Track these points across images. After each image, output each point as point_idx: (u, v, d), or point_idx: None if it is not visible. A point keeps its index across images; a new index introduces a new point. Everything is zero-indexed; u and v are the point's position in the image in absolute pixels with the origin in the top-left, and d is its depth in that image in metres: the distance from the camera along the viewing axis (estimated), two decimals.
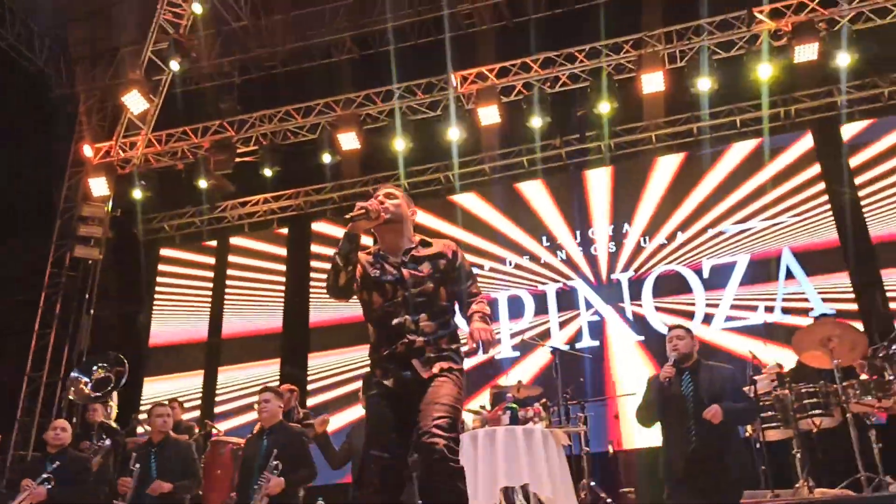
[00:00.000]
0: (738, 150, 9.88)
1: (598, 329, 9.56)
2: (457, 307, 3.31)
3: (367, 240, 3.40)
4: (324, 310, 10.70)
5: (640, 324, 9.43)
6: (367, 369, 3.29)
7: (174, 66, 9.62)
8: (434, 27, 10.37)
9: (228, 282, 11.34)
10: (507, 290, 10.07)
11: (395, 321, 3.14)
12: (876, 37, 8.97)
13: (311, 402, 9.89)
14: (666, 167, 10.10)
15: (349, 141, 10.05)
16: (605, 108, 9.41)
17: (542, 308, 9.84)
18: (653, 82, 9.21)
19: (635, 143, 10.36)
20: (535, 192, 10.51)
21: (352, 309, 10.26)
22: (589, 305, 9.69)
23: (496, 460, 4.75)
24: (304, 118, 10.49)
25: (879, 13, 8.88)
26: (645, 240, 9.80)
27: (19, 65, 10.85)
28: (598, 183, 10.31)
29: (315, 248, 11.13)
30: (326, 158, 10.33)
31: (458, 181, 10.81)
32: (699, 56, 9.12)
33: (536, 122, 9.63)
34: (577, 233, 10.10)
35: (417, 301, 3.17)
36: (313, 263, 11.03)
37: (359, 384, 9.85)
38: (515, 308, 9.94)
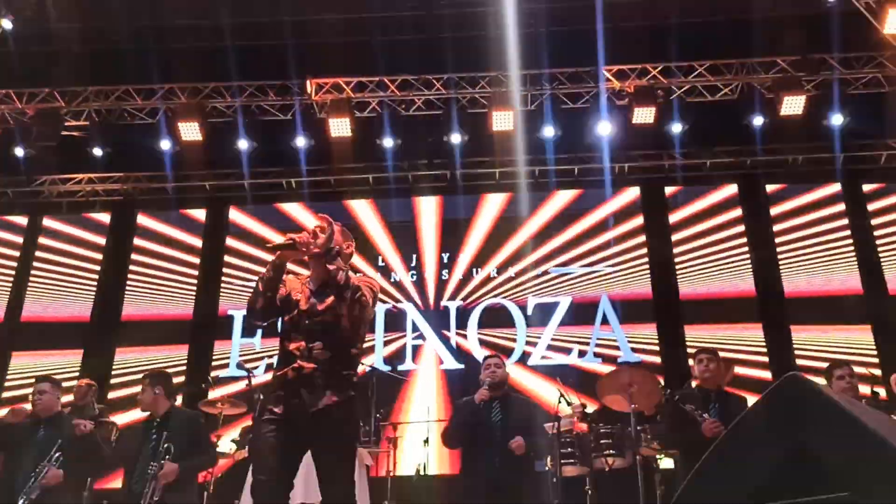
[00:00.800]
0: (563, 197, 10.36)
1: (419, 353, 9.63)
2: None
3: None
4: (138, 304, 10.13)
5: (460, 352, 9.60)
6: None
7: (6, 24, 8.86)
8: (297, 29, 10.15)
9: (36, 262, 10.46)
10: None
11: (291, 346, 3.34)
12: (704, 110, 9.77)
13: (112, 395, 9.29)
14: (495, 203, 10.41)
15: (190, 131, 9.62)
16: (456, 138, 9.62)
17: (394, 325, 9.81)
18: (503, 121, 9.49)
19: (478, 177, 10.56)
20: (366, 212, 10.50)
21: (168, 306, 9.97)
22: (416, 329, 9.76)
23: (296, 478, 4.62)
24: (145, 100, 9.94)
25: (710, 90, 9.67)
26: (475, 270, 10.03)
27: None
28: (429, 210, 10.45)
29: (138, 241, 10.52)
30: (165, 145, 9.85)
31: (305, 189, 10.57)
32: (545, 104, 9.54)
33: (388, 142, 9.69)
34: (413, 257, 10.17)
35: (316, 329, 3.34)
36: (134, 256, 10.43)
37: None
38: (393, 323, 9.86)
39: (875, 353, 9.09)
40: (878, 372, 7.94)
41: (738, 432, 1.97)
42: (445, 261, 10.12)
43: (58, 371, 9.13)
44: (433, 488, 7.56)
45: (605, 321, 9.70)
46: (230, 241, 10.43)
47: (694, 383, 7.17)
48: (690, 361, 8.88)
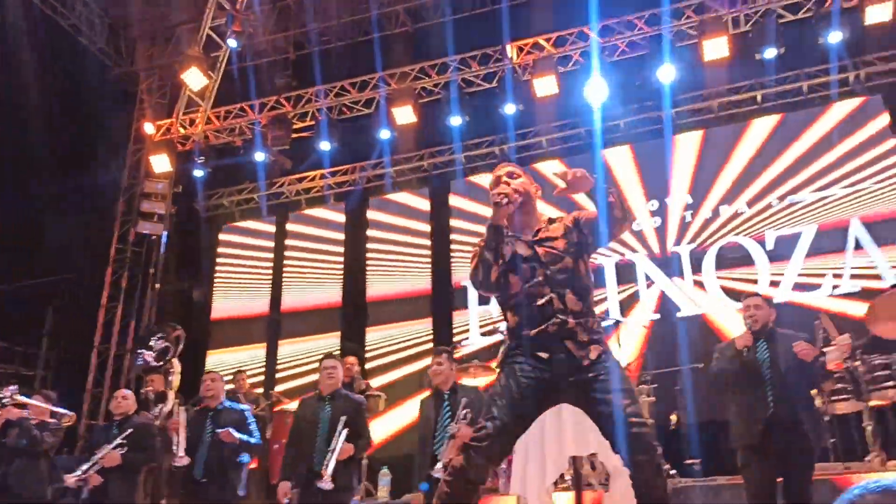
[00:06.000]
0: (799, 119, 9.57)
1: (659, 302, 9.41)
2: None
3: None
4: (380, 284, 10.81)
5: (700, 296, 9.27)
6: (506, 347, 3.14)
7: (231, 42, 9.73)
8: None
9: (287, 257, 11.49)
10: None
11: (539, 302, 3.04)
12: None
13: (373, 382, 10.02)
14: (724, 135, 9.84)
15: (405, 115, 10.03)
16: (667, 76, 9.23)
17: (627, 277, 9.66)
18: (716, 48, 8.94)
19: (695, 113, 10.08)
20: (620, 159, 10.24)
21: (409, 282, 10.52)
22: (649, 279, 9.54)
23: (565, 431, 4.72)
24: (360, 92, 10.52)
25: None
26: (713, 212, 9.57)
27: (80, 44, 11.05)
28: (657, 154, 10.07)
29: (371, 231, 11.19)
30: (385, 134, 10.37)
31: (514, 154, 10.70)
32: (765, 20, 8.85)
33: (597, 91, 9.49)
34: (653, 202, 9.88)
35: (559, 278, 3.06)
36: (370, 233, 11.11)
37: (418, 363, 10.02)
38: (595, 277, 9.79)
39: None
40: None
41: None
42: (691, 202, 9.72)
43: (319, 354, 9.97)
44: (692, 436, 7.39)
45: (858, 246, 8.89)
46: (456, 202, 10.75)
47: None
48: None
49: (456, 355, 8.41)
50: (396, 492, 7.28)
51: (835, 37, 8.70)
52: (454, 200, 10.86)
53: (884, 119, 9.19)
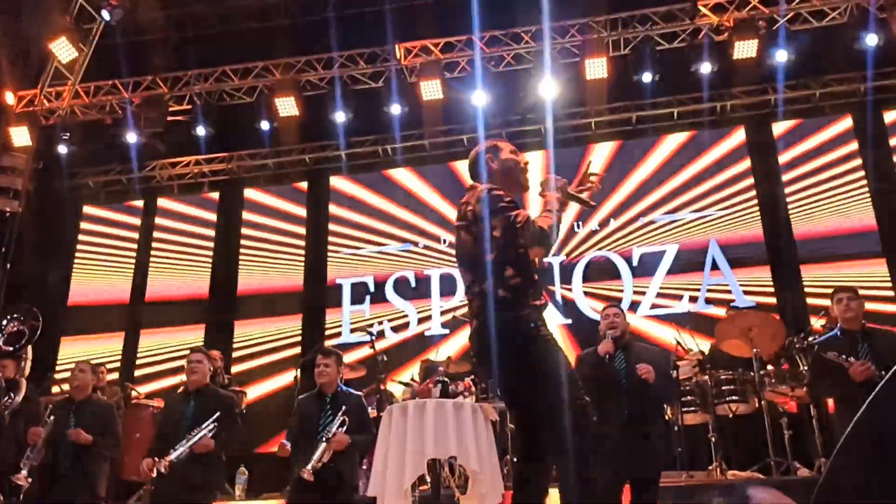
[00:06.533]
0: (672, 142, 10.08)
1: None
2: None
3: None
4: (251, 277, 10.54)
5: (567, 307, 9.57)
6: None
7: (105, 14, 9.23)
8: None
9: (154, 244, 11.00)
10: (439, 268, 10.06)
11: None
12: (811, 38, 9.25)
13: (235, 369, 9.73)
14: (602, 153, 10.23)
15: (287, 107, 9.83)
16: (548, 90, 9.46)
17: None
18: (596, 68, 9.27)
19: (575, 129, 10.41)
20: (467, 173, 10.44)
21: (284, 276, 10.31)
22: None
23: (425, 432, 4.73)
24: (242, 79, 10.21)
25: (816, 16, 9.15)
26: (578, 225, 9.92)
27: None
28: (534, 167, 10.31)
29: (246, 215, 10.89)
30: (264, 125, 10.12)
31: (398, 155, 10.68)
32: (643, 45, 9.24)
33: (480, 99, 9.62)
34: None
35: None
36: (244, 230, 10.81)
37: (284, 354, 9.87)
38: (448, 286, 9.93)
39: None
40: None
41: None
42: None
43: (183, 347, 9.63)
44: None
45: (714, 267, 9.44)
46: (333, 209, 10.66)
47: (818, 324, 6.94)
48: (814, 301, 8.64)
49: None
50: (254, 491, 7.12)
51: (706, 68, 9.17)
52: (334, 197, 10.74)
53: (744, 150, 9.81)
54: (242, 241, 10.76)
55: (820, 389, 5.39)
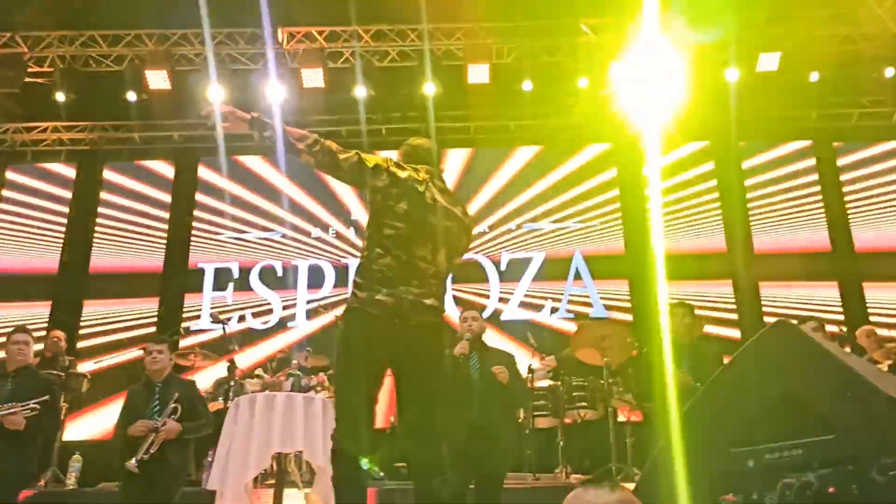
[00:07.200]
0: (545, 154, 10.33)
1: None
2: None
3: None
4: (106, 255, 9.99)
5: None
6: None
7: None
8: None
9: (1, 214, 10.22)
10: (307, 259, 9.89)
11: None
12: None
13: (81, 344, 9.22)
14: (486, 158, 10.36)
15: (159, 80, 9.38)
16: (430, 89, 9.49)
17: (343, 280, 9.72)
18: (479, 73, 9.37)
19: (457, 131, 10.46)
20: None
21: (142, 256, 9.83)
22: None
23: (273, 425, 4.62)
24: (111, 47, 9.64)
25: None
26: None
27: None
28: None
29: (106, 191, 10.31)
30: (131, 96, 9.61)
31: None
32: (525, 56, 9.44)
33: (361, 92, 9.53)
34: None
35: None
36: (103, 198, 10.23)
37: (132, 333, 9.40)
38: (316, 278, 9.78)
39: (841, 309, 9.29)
40: (844, 328, 8.11)
41: (726, 378, 1.98)
42: None
43: (25, 323, 8.98)
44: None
45: (577, 276, 9.75)
46: (199, 197, 10.27)
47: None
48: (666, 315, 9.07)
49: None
50: (89, 480, 6.74)
51: (584, 83, 9.47)
52: (203, 177, 10.33)
53: (606, 158, 10.19)
54: (100, 218, 10.17)
55: (646, 394, 5.69)
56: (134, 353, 8.26)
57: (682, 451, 1.82)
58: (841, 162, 10.03)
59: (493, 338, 8.93)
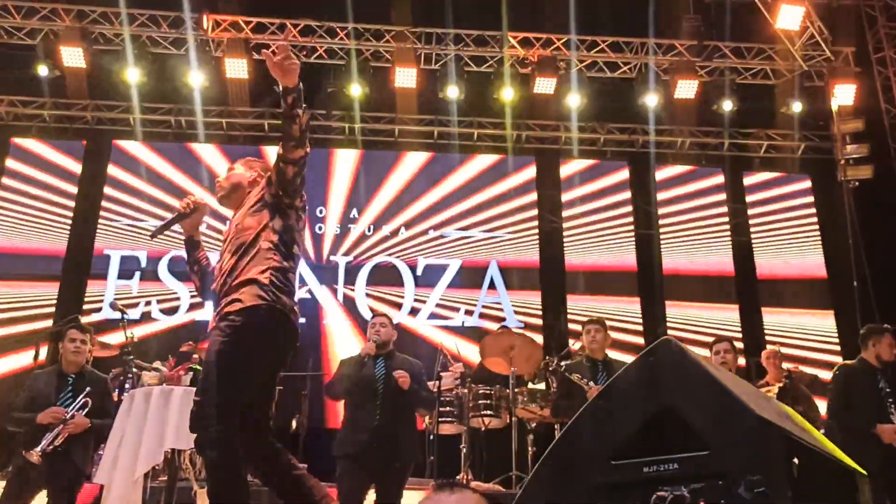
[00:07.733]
0: (478, 162, 10.40)
1: (309, 307, 9.49)
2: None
3: None
4: (7, 236, 9.53)
5: (349, 306, 9.57)
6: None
7: None
8: None
9: None
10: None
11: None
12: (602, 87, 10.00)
13: None
14: (410, 163, 10.36)
15: (74, 57, 9.03)
16: (356, 90, 9.46)
17: None
18: (406, 78, 9.38)
19: (382, 133, 10.42)
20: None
21: (44, 238, 9.40)
22: (303, 282, 9.61)
23: (167, 421, 4.48)
24: (25, 19, 9.23)
25: (610, 67, 9.88)
26: (370, 229, 9.95)
27: None
28: (344, 166, 10.27)
29: (11, 163, 9.83)
30: (43, 72, 9.22)
31: (197, 129, 10.09)
32: (450, 63, 9.49)
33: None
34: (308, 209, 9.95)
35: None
36: (5, 181, 9.76)
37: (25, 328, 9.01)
38: None
39: (740, 331, 9.67)
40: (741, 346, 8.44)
41: (611, 392, 2.04)
42: (353, 216, 9.99)
43: None
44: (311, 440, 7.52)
45: (492, 286, 9.85)
46: (112, 170, 9.90)
47: (576, 346, 7.45)
48: (576, 328, 9.27)
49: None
50: None
51: (509, 94, 9.61)
52: (115, 160, 9.97)
53: (530, 173, 10.34)
54: (2, 191, 9.70)
55: (560, 409, 5.84)
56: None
57: (561, 462, 1.86)
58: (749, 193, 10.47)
59: (409, 338, 9.03)
